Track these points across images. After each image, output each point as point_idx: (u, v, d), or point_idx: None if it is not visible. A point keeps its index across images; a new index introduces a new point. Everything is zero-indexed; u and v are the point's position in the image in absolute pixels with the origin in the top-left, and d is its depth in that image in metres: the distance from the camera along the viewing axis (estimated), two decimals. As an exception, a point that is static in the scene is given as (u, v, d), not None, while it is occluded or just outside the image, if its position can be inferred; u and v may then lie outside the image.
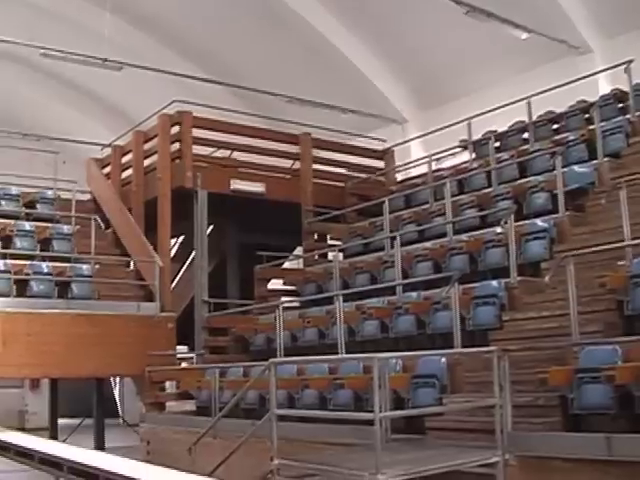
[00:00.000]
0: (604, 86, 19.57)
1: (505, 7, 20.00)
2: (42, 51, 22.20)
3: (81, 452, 12.51)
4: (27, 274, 18.26)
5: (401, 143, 24.94)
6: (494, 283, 13.67)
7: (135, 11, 26.58)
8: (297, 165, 22.84)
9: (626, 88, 17.18)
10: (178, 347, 20.15)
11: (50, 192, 22.69)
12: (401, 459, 9.27)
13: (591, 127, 16.72)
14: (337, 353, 14.38)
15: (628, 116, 16.64)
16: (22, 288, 18.05)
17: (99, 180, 24.06)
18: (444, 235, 16.84)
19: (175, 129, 20.95)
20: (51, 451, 12.25)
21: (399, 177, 24.53)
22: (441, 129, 21.50)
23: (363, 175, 23.99)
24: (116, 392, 31.86)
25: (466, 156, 21.06)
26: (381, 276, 17.16)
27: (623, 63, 17.17)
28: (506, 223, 14.19)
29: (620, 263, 11.55)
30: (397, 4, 23.30)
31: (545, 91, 18.35)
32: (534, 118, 19.08)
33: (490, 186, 17.75)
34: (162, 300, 19.29)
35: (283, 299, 19.25)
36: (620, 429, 8.88)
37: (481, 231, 16.01)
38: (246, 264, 21.20)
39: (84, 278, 19.11)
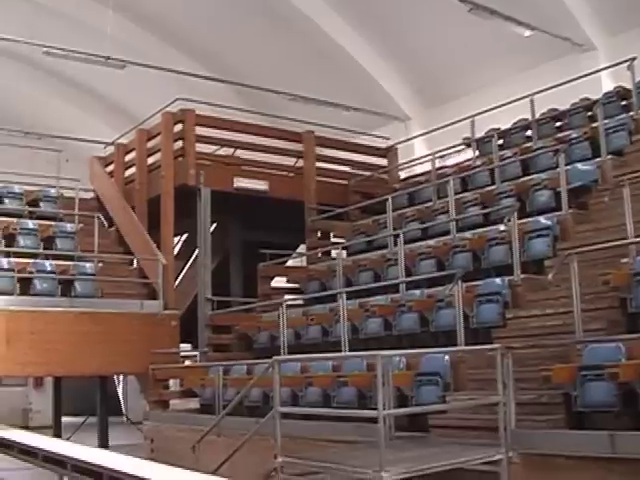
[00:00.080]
0: (607, 83, 19.54)
1: (508, 4, 20.01)
2: (44, 49, 22.22)
3: (85, 450, 12.51)
4: (30, 272, 18.27)
5: (404, 141, 24.95)
6: (497, 281, 13.66)
7: (137, 9, 26.61)
8: (300, 163, 22.83)
9: (629, 85, 17.15)
10: (182, 345, 20.16)
11: (53, 190, 22.70)
12: (405, 457, 9.28)
13: (594, 125, 16.70)
14: (340, 351, 14.39)
15: (631, 113, 16.59)
16: (25, 286, 18.06)
17: (102, 178, 24.07)
18: (447, 233, 16.84)
19: (178, 127, 20.94)
20: (55, 449, 12.25)
21: (402, 175, 24.51)
22: (444, 127, 21.49)
23: (366, 173, 23.96)
24: (120, 390, 31.89)
25: (469, 154, 21.03)
26: (384, 274, 17.17)
27: (626, 60, 17.14)
28: (509, 221, 14.17)
29: (623, 261, 11.53)
30: (401, 3, 23.31)
31: (548, 88, 18.32)
32: (537, 116, 19.04)
33: (493, 184, 17.75)
34: (165, 298, 19.31)
35: (286, 297, 19.25)
36: (624, 426, 8.88)
37: (484, 229, 16.00)
38: (249, 262, 21.21)
39: (87, 276, 19.13)
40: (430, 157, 21.43)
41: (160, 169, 20.93)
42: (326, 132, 23.40)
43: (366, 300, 16.08)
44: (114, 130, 26.36)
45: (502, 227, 15.03)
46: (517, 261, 13.62)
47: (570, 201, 14.64)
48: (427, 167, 21.87)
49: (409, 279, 15.75)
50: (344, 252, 19.77)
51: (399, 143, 24.72)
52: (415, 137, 25.32)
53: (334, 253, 20.57)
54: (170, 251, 20.58)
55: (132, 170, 23.10)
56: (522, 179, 16.96)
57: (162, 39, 27.84)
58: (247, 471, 11.02)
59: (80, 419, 24.01)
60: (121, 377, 30.49)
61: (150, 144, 22.27)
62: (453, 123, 20.97)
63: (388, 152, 24.68)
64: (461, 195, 17.99)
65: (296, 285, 20.66)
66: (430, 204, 18.99)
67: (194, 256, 22.40)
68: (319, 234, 22.93)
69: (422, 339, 14.08)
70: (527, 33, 20.76)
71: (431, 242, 17.00)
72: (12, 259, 18.48)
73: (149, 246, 20.22)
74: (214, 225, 21.34)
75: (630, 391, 9.06)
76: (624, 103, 17.45)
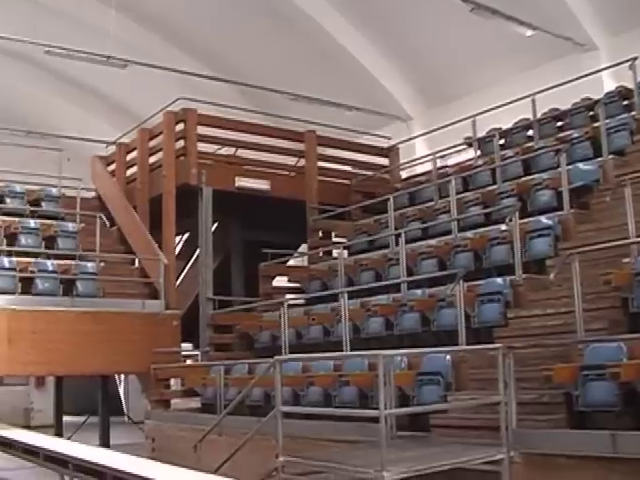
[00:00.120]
0: (609, 83, 19.53)
1: (510, 4, 20.00)
2: (47, 49, 22.23)
3: (86, 449, 12.53)
4: (32, 272, 18.26)
5: (406, 140, 24.93)
6: (499, 280, 13.67)
7: (140, 9, 26.62)
8: (302, 162, 22.84)
9: (631, 85, 17.15)
10: (183, 344, 20.17)
11: (55, 190, 22.69)
12: (406, 456, 9.28)
13: (596, 124, 16.70)
14: (342, 350, 14.39)
15: (633, 113, 16.60)
16: (27, 286, 18.07)
17: (104, 178, 24.07)
18: (449, 232, 16.83)
19: (180, 126, 20.94)
20: (56, 448, 12.27)
21: (404, 174, 24.51)
22: (446, 126, 21.49)
23: (368, 172, 23.97)
24: (121, 390, 31.86)
25: (471, 153, 21.04)
26: (386, 273, 17.17)
27: (628, 60, 17.15)
28: (511, 220, 14.18)
29: (625, 260, 11.54)
30: (403, 3, 23.30)
31: (550, 88, 18.32)
32: (539, 115, 19.04)
33: (495, 183, 17.75)
34: (167, 297, 19.32)
35: (288, 296, 19.27)
36: (625, 426, 8.89)
37: (486, 228, 16.00)
38: (251, 261, 21.22)
39: (89, 276, 19.13)
40: (431, 157, 21.44)
41: (162, 168, 20.94)
42: (328, 132, 23.42)
43: (367, 300, 16.08)
44: (116, 129, 26.35)
45: (503, 227, 15.02)
46: (518, 261, 13.63)
47: (571, 201, 14.64)
48: (428, 167, 21.89)
49: (410, 279, 15.75)
50: (345, 252, 19.77)
51: (401, 143, 24.72)
52: (417, 137, 25.32)
53: (335, 253, 20.56)
54: (171, 251, 20.58)
55: (134, 169, 23.12)
56: (523, 179, 16.95)
57: (165, 39, 27.84)
58: (248, 470, 11.02)
59: (81, 418, 24.02)
60: (122, 376, 30.46)
61: (152, 143, 22.27)
62: (454, 123, 20.97)
63: (390, 152, 24.69)
64: (462, 195, 17.98)
65: (297, 285, 20.69)
66: (431, 204, 18.99)
67: (195, 255, 22.40)
68: (320, 234, 22.93)
69: (423, 339, 14.09)
70: (529, 33, 20.75)
71: (432, 242, 17.00)
72: (14, 258, 18.47)
73: (151, 246, 20.23)
74: (216, 224, 21.36)
75: (631, 391, 9.07)
76: (626, 103, 17.46)
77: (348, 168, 24.24)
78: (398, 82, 26.53)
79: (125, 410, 30.39)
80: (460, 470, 9.07)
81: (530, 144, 18.60)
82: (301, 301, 19.40)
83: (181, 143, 20.87)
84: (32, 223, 20.12)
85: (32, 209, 21.37)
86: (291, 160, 23.03)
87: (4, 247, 18.91)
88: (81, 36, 24.04)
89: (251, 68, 27.23)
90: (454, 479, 9.17)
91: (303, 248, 23.54)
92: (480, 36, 22.39)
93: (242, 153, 22.13)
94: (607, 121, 16.26)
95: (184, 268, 23.55)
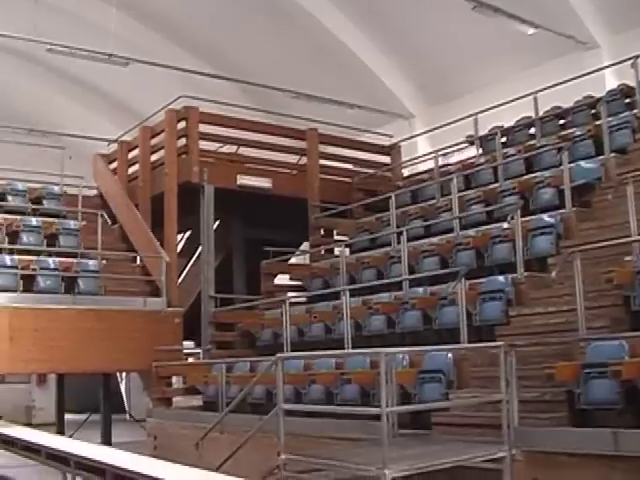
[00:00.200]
0: (611, 81, 19.51)
1: (512, 2, 19.97)
2: (48, 47, 22.22)
3: (88, 447, 12.53)
4: (34, 269, 18.25)
5: (408, 138, 24.94)
6: (501, 278, 13.67)
7: (141, 7, 26.61)
8: (304, 160, 22.84)
9: (633, 83, 17.14)
10: (185, 342, 20.17)
11: (57, 188, 22.67)
12: (408, 454, 9.28)
13: (598, 122, 16.70)
14: (344, 348, 14.40)
15: (635, 111, 16.58)
16: (29, 283, 18.06)
17: (106, 176, 24.07)
18: (451, 230, 16.82)
19: (182, 124, 20.95)
20: (58, 446, 12.27)
21: (406, 172, 24.53)
22: (448, 124, 21.49)
23: (370, 170, 24.00)
24: (123, 387, 31.89)
25: (473, 151, 21.04)
26: (388, 271, 17.17)
27: (630, 58, 17.13)
28: (513, 218, 14.19)
29: (627, 258, 11.55)
30: (404, 0, 23.28)
31: (552, 86, 18.34)
32: (541, 114, 19.04)
33: (497, 181, 17.76)
34: (169, 295, 19.32)
35: (290, 294, 19.29)
36: (627, 424, 8.89)
37: (488, 226, 16.00)
38: (252, 259, 21.22)
39: (91, 273, 19.14)
40: (433, 155, 21.46)
41: (163, 166, 20.94)
42: (329, 130, 23.42)
43: (369, 298, 16.09)
44: (118, 127, 26.35)
45: (505, 225, 15.03)
46: (520, 259, 13.63)
47: (574, 199, 14.63)
48: (430, 165, 21.89)
49: (412, 277, 15.76)
50: (347, 249, 19.78)
51: (402, 141, 24.74)
52: (418, 135, 25.31)
53: (337, 251, 20.56)
54: (173, 248, 20.59)
55: (135, 167, 23.12)
56: (525, 177, 16.96)
57: (165, 37, 27.83)
58: (250, 468, 11.03)
59: (83, 416, 24.06)
60: (124, 374, 30.48)
61: (154, 141, 22.28)
62: (456, 121, 20.98)
63: (391, 150, 24.70)
64: (464, 193, 18.00)
65: (299, 282, 20.71)
66: (433, 202, 19.01)
67: (197, 253, 22.42)
68: (322, 232, 22.94)
69: (425, 337, 14.08)
70: (531, 31, 20.74)
71: (434, 240, 17.02)
72: (15, 256, 18.45)
73: (152, 243, 20.23)
74: (217, 222, 21.35)
75: (633, 389, 9.07)
76: (628, 101, 17.47)
77: (350, 166, 24.23)
78: (399, 80, 26.50)
79: (127, 408, 30.42)
80: (462, 468, 9.08)
81: (532, 142, 18.61)
82: (303, 299, 19.41)
83: (183, 141, 20.88)
84: (34, 221, 20.11)
85: (34, 207, 21.34)
86: (293, 158, 23.02)
87: (6, 245, 18.89)
88: (82, 34, 24.00)
89: (252, 66, 27.20)
90: (456, 477, 9.18)
91: (305, 246, 23.56)
92: (482, 34, 22.36)
93: (244, 151, 22.12)
94: (609, 119, 16.25)
95: (186, 266, 23.57)
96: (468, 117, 20.55)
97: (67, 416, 23.32)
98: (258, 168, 21.71)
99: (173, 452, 14.73)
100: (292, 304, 17.16)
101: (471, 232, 16.14)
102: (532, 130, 19.38)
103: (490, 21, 20.33)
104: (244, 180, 20.98)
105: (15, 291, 17.63)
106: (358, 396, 12.79)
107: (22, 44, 24.14)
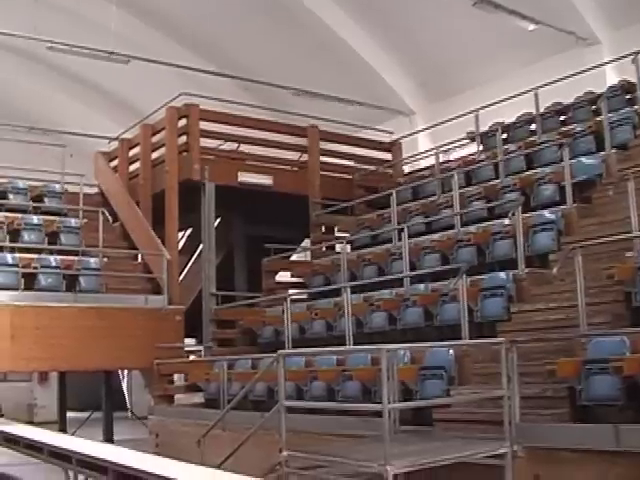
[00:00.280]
0: (611, 77, 19.53)
1: (512, -2, 20.04)
2: (48, 45, 22.23)
3: (90, 445, 12.53)
4: (35, 267, 18.26)
5: (408, 135, 24.94)
6: (502, 275, 13.68)
7: (141, 4, 26.61)
8: (304, 157, 22.85)
9: (634, 79, 17.12)
10: (186, 340, 20.18)
11: (58, 186, 22.68)
12: (409, 450, 9.28)
13: (598, 118, 16.69)
14: (345, 345, 14.40)
15: (636, 107, 16.58)
16: (30, 281, 18.07)
17: (107, 173, 24.08)
18: (452, 227, 16.83)
19: (182, 122, 20.96)
20: (60, 444, 12.28)
21: (406, 169, 24.54)
22: (448, 121, 21.51)
23: (371, 167, 24.01)
24: (124, 385, 31.91)
25: (473, 148, 21.06)
26: (389, 268, 17.17)
27: (631, 54, 17.13)
28: (514, 215, 14.19)
29: (628, 254, 11.55)
30: (404, -3, 23.34)
31: (552, 82, 18.34)
32: (541, 110, 19.05)
33: (497, 178, 17.75)
34: (170, 293, 19.32)
35: (291, 291, 19.30)
36: (628, 420, 8.89)
37: (489, 223, 16.00)
38: (254, 256, 21.23)
39: (92, 271, 19.14)
40: (434, 151, 21.46)
41: (164, 164, 20.95)
42: (330, 127, 23.41)
43: (370, 294, 16.12)
44: (118, 125, 26.36)
45: (506, 221, 15.04)
46: (521, 255, 13.64)
47: (574, 195, 14.65)
48: (431, 161, 21.89)
49: (413, 273, 15.76)
50: (348, 246, 19.75)
51: (403, 137, 24.74)
52: (419, 131, 25.33)
53: (338, 247, 20.56)
54: (174, 246, 20.61)
55: (136, 165, 23.15)
56: (526, 173, 16.97)
57: (166, 34, 27.81)
58: (252, 465, 11.03)
59: (85, 414, 24.04)
60: (126, 372, 30.51)
61: (154, 139, 22.30)
62: (457, 117, 21.01)
63: (392, 146, 24.72)
64: (465, 189, 18.00)
65: (300, 280, 20.71)
66: (434, 198, 19.00)
67: (198, 251, 22.43)
68: (323, 228, 22.97)
69: (426, 333, 14.07)
70: (531, 27, 20.76)
71: (435, 236, 17.01)
72: (17, 254, 18.47)
73: (153, 241, 20.25)
74: (218, 220, 21.35)
75: (634, 385, 9.07)
76: (628, 97, 17.45)
77: (351, 163, 24.23)
78: (400, 76, 26.49)
79: (129, 405, 30.43)
80: (463, 464, 9.08)
81: (533, 138, 18.61)
82: (304, 296, 19.41)
83: (184, 139, 20.88)
84: (35, 219, 20.13)
85: (35, 205, 21.36)
86: (294, 155, 23.03)
87: (7, 243, 18.89)
88: (83, 32, 24.03)
89: (252, 63, 27.19)
90: (457, 473, 9.19)
91: (306, 243, 23.55)
92: (482, 30, 22.37)
93: (244, 148, 22.13)
94: (610, 115, 16.24)
95: (187, 263, 23.58)
96: (469, 113, 20.55)
97: (69, 414, 23.33)
98: (259, 165, 21.73)
99: (175, 449, 14.75)
100: (293, 301, 17.18)
101: (472, 228, 16.14)
102: (533, 126, 19.39)
103: (491, 17, 20.35)
104: (245, 177, 20.99)
105: (16, 289, 17.64)
106: (359, 393, 12.78)
107: (22, 42, 24.18)
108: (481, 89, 23.14)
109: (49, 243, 19.82)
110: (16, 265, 18.03)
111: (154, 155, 22.30)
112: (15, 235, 19.39)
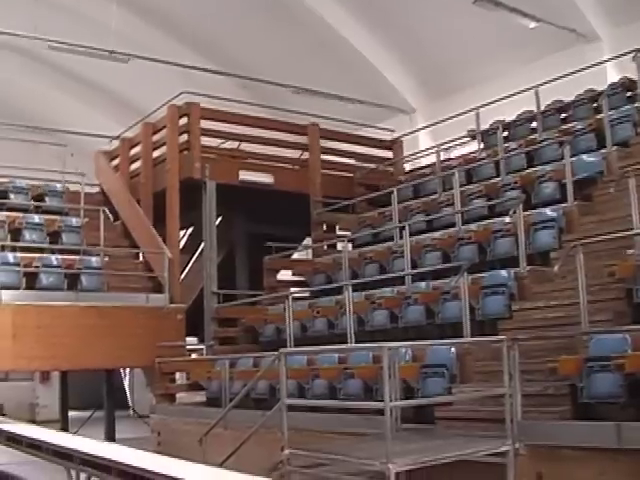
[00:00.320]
0: (612, 75, 19.51)
1: (513, -4, 20.03)
2: (49, 43, 22.22)
3: (92, 443, 12.53)
4: (36, 267, 18.28)
5: (409, 133, 24.94)
6: (503, 273, 13.67)
7: (141, 3, 26.61)
8: (305, 155, 22.85)
9: (635, 77, 17.13)
10: (188, 338, 20.18)
11: (59, 185, 22.70)
12: (411, 448, 9.29)
13: (599, 116, 16.69)
14: (346, 343, 14.40)
15: (636, 105, 16.55)
16: (32, 281, 18.09)
17: (108, 172, 24.09)
18: (453, 225, 16.85)
19: (183, 120, 20.96)
20: (62, 443, 12.28)
21: (407, 167, 24.54)
22: (449, 119, 21.51)
23: (372, 165, 23.99)
24: (126, 384, 31.94)
25: (474, 146, 21.04)
26: (390, 266, 17.17)
27: (631, 51, 17.13)
28: (515, 213, 14.20)
29: (629, 252, 11.55)
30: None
31: (553, 80, 18.32)
32: (542, 107, 19.03)
33: (498, 176, 17.75)
34: (171, 291, 19.34)
35: (292, 290, 19.30)
36: (630, 417, 8.89)
37: (490, 221, 16.00)
38: (255, 255, 21.22)
39: (93, 270, 19.16)
40: (435, 149, 21.45)
41: (165, 163, 20.96)
42: (331, 125, 23.42)
43: (372, 292, 16.12)
44: (118, 124, 26.37)
45: (507, 219, 15.04)
46: (523, 253, 13.63)
47: (575, 193, 14.65)
48: (432, 159, 21.86)
49: (415, 271, 15.76)
50: (350, 245, 19.75)
51: (404, 135, 24.74)
52: (420, 129, 25.32)
53: (340, 246, 20.59)
54: (176, 244, 20.61)
55: (137, 164, 23.16)
56: (527, 171, 16.96)
57: (166, 33, 27.79)
58: (254, 463, 11.03)
59: (87, 413, 24.04)
60: (127, 370, 30.52)
61: (155, 138, 22.31)
62: (458, 115, 20.99)
63: (393, 144, 24.71)
64: (466, 187, 18.00)
65: (302, 278, 20.70)
66: (435, 196, 18.99)
67: (200, 249, 22.42)
68: (324, 227, 22.96)
69: (428, 331, 14.08)
70: (532, 25, 20.75)
71: (436, 234, 17.01)
72: (18, 254, 18.49)
73: (155, 240, 20.25)
74: (219, 218, 21.36)
75: (636, 382, 9.07)
76: (629, 94, 17.44)
77: (351, 161, 24.23)
78: (401, 74, 26.49)
79: (130, 404, 30.45)
80: (465, 462, 9.09)
81: (534, 136, 18.61)
82: (305, 294, 19.42)
83: (184, 137, 20.89)
84: (36, 218, 20.16)
85: (36, 204, 21.39)
86: (294, 153, 23.02)
87: (8, 242, 18.92)
88: (83, 31, 24.05)
89: (253, 61, 27.20)
90: (459, 471, 9.20)
91: (307, 241, 23.53)
92: (483, 28, 22.37)
93: (245, 147, 22.15)
94: (611, 113, 16.24)
95: (188, 262, 23.57)
96: (469, 111, 20.54)
97: (71, 413, 23.32)
98: (260, 164, 21.73)
99: (177, 448, 14.76)
100: (295, 299, 17.19)
101: (473, 226, 16.14)
102: (534, 124, 19.37)
103: (491, 15, 20.36)
104: (246, 176, 21.00)
105: (18, 288, 17.66)
106: (361, 391, 12.80)
107: (23, 41, 24.16)
108: (482, 87, 23.11)
109: (50, 242, 19.85)
110: (17, 264, 18.05)
111: (155, 154, 22.32)
112: (16, 234, 19.42)
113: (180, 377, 20.34)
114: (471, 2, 19.65)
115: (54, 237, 20.01)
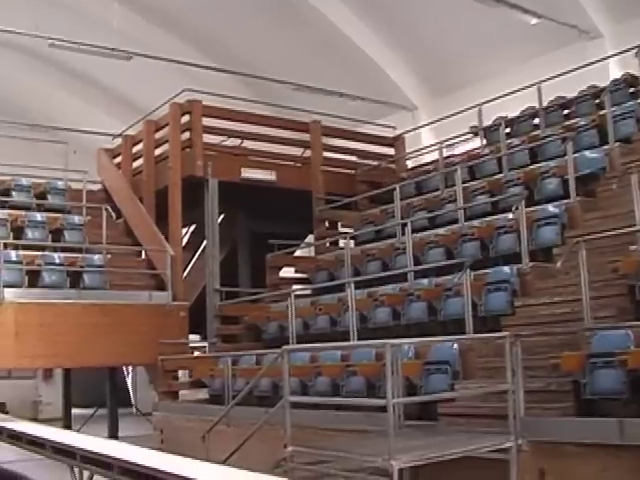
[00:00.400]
0: (615, 71, 19.49)
1: (515, -8, 20.00)
2: (50, 41, 22.21)
3: (95, 441, 12.54)
4: (39, 265, 18.29)
5: (412, 130, 24.91)
6: (506, 269, 13.67)
7: (143, 1, 26.58)
8: (308, 153, 22.85)
9: (637, 73, 17.13)
10: (190, 336, 20.18)
11: (61, 183, 22.70)
12: (414, 445, 9.30)
13: (602, 112, 16.67)
14: (349, 340, 14.40)
15: (639, 101, 16.56)
16: (34, 279, 18.10)
17: (110, 170, 24.09)
18: (455, 221, 16.83)
19: (185, 118, 20.96)
20: (65, 440, 12.29)
21: (410, 164, 24.51)
22: (452, 116, 21.49)
23: (374, 162, 23.97)
24: (129, 381, 31.96)
25: (477, 142, 21.03)
26: (393, 263, 17.17)
27: (633, 48, 17.13)
28: (517, 209, 14.18)
29: (632, 248, 11.52)
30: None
31: (556, 76, 18.31)
32: (545, 104, 19.00)
33: (501, 172, 17.74)
34: (174, 289, 19.34)
35: (295, 287, 19.31)
36: (632, 414, 8.89)
37: (492, 217, 15.99)
38: (257, 252, 21.23)
39: (96, 268, 19.15)
40: (438, 146, 21.41)
41: (167, 160, 20.95)
42: (333, 122, 23.41)
43: (374, 289, 16.09)
44: (119, 122, 26.34)
45: (510, 215, 15.04)
46: (525, 249, 13.62)
47: (578, 189, 14.63)
48: (435, 156, 21.86)
49: (417, 268, 15.75)
50: (352, 242, 19.76)
51: (406, 132, 24.72)
52: (422, 126, 25.28)
53: (342, 243, 20.56)
54: (178, 242, 20.61)
55: (140, 162, 23.13)
56: (530, 167, 16.94)
57: (167, 30, 27.78)
58: (257, 461, 11.02)
59: (90, 411, 24.09)
60: (130, 368, 30.53)
61: (157, 135, 22.29)
62: (460, 112, 20.98)
63: (395, 141, 24.69)
64: (469, 184, 17.99)
65: (304, 275, 20.69)
66: (438, 193, 18.99)
67: (202, 247, 22.41)
68: (327, 224, 22.92)
69: (431, 328, 14.07)
70: (534, 21, 20.71)
71: (439, 231, 17.01)
72: (20, 252, 18.48)
73: (157, 237, 20.26)
74: (222, 216, 21.36)
75: (639, 378, 9.07)
76: (632, 90, 17.42)
77: (354, 158, 24.21)
78: (403, 71, 26.46)
79: (133, 402, 30.48)
80: (468, 458, 9.08)
81: (536, 132, 18.58)
82: (308, 291, 19.42)
83: (187, 135, 20.89)
84: (38, 216, 20.16)
85: (38, 202, 21.40)
86: (297, 150, 23.02)
87: (11, 240, 18.91)
88: (84, 29, 24.03)
89: (254, 59, 27.17)
90: (462, 467, 9.18)
91: (310, 238, 23.53)
92: (485, 25, 22.35)
93: (247, 144, 22.13)
94: (613, 109, 16.22)
95: (191, 259, 23.56)
96: (472, 108, 20.54)
97: (74, 411, 23.35)
98: (262, 161, 21.72)
99: (180, 445, 14.73)
100: (297, 297, 17.19)
101: (476, 223, 16.13)
102: (536, 120, 19.33)
103: (493, 11, 20.33)
104: (248, 173, 20.99)
105: (20, 286, 17.66)
106: (364, 388, 12.81)
107: (25, 40, 24.12)
108: (484, 84, 23.08)
109: (53, 240, 19.86)
110: (20, 262, 18.05)
111: (157, 151, 22.31)
112: (19, 232, 19.43)
113: (183, 375, 20.34)
114: (473, -1, 19.66)
115: (56, 235, 20.02)
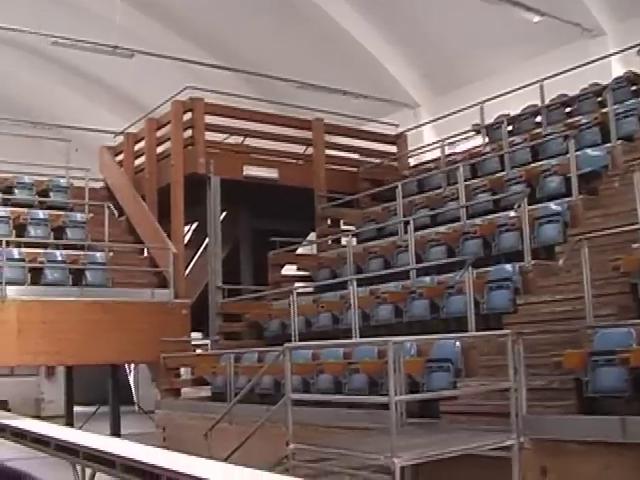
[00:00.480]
0: (617, 69, 19.47)
1: (517, -10, 19.99)
2: (52, 39, 22.20)
3: (97, 438, 12.55)
4: (41, 262, 18.31)
5: (414, 128, 24.90)
6: (508, 267, 13.68)
7: (145, -2, 26.63)
8: (310, 150, 22.85)
9: (639, 70, 17.10)
10: (192, 333, 20.20)
11: (63, 180, 22.68)
12: (416, 443, 9.30)
13: (604, 110, 16.67)
14: (351, 338, 14.40)
15: (641, 99, 16.59)
16: (36, 276, 18.11)
17: (112, 168, 24.09)
18: (457, 219, 16.83)
19: (187, 116, 20.97)
20: (67, 438, 12.30)
21: (412, 162, 24.50)
22: (454, 113, 21.47)
23: (376, 160, 23.97)
24: (131, 379, 31.97)
25: (479, 140, 21.03)
26: (395, 261, 17.18)
27: (636, 46, 17.11)
28: (519, 207, 14.17)
29: (634, 246, 11.50)
30: (409, -11, 23.30)
31: (558, 74, 18.29)
32: (547, 102, 18.99)
33: (503, 170, 17.74)
34: (176, 287, 19.34)
35: (297, 284, 19.33)
36: (634, 412, 8.89)
37: (494, 215, 16.00)
38: (260, 250, 21.24)
39: (98, 266, 19.19)
40: (439, 144, 21.42)
41: (170, 158, 20.96)
42: (335, 119, 23.40)
43: (376, 287, 16.12)
44: (122, 119, 26.32)
45: (512, 213, 15.04)
46: (527, 247, 13.63)
47: (580, 187, 14.62)
48: (437, 154, 21.87)
49: (419, 266, 15.77)
50: (354, 239, 19.78)
51: (408, 130, 24.72)
52: (424, 124, 25.27)
53: (344, 240, 20.54)
54: (180, 240, 20.62)
55: (142, 159, 23.14)
56: (532, 165, 16.94)
57: (169, 28, 27.75)
58: (259, 458, 11.03)
59: (92, 408, 24.10)
60: (132, 366, 30.55)
61: (160, 133, 22.30)
62: (462, 110, 20.97)
63: (397, 139, 24.70)
64: (471, 181, 17.99)
65: (306, 273, 20.72)
66: (440, 191, 18.99)
67: (204, 245, 22.43)
68: (329, 222, 22.95)
69: (433, 325, 14.09)
70: (536, 19, 20.68)
71: (441, 229, 17.01)
72: (23, 249, 18.50)
73: (159, 235, 20.26)
74: (224, 213, 21.37)
75: (641, 376, 9.08)
76: (634, 88, 17.42)
77: (356, 156, 24.21)
78: (405, 69, 26.43)
79: (135, 399, 30.50)
80: (470, 456, 9.10)
81: (538, 130, 18.57)
82: (310, 289, 19.43)
83: (189, 132, 20.90)
84: (41, 214, 20.16)
85: (41, 200, 21.40)
86: (299, 148, 23.01)
87: (13, 238, 18.91)
88: (86, 26, 23.99)
89: (256, 56, 27.15)
90: (464, 465, 9.20)
91: (312, 236, 23.53)
92: (487, 22, 22.31)
93: (250, 142, 22.13)
94: (615, 107, 16.22)
95: (193, 257, 23.59)
96: (474, 106, 20.53)
97: (76, 408, 23.37)
98: (264, 159, 21.73)
99: (182, 443, 14.75)
100: (299, 294, 17.20)
101: (478, 221, 16.13)
102: (538, 118, 19.34)
103: (495, 9, 20.32)
104: (250, 171, 21.00)
105: (23, 284, 17.68)
106: (366, 385, 12.81)
107: (27, 38, 24.10)
108: (486, 81, 23.07)
109: (55, 238, 19.88)
110: (22, 260, 18.07)
111: (159, 149, 22.31)
112: (21, 230, 19.42)
113: (185, 372, 20.34)
114: (475, -4, 19.65)
115: (59, 233, 20.03)
